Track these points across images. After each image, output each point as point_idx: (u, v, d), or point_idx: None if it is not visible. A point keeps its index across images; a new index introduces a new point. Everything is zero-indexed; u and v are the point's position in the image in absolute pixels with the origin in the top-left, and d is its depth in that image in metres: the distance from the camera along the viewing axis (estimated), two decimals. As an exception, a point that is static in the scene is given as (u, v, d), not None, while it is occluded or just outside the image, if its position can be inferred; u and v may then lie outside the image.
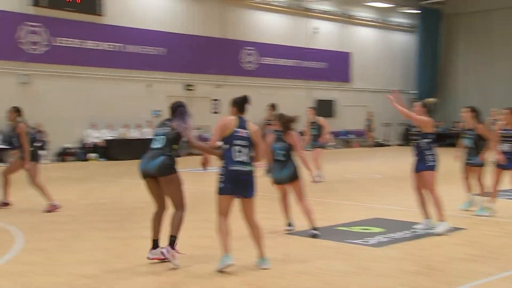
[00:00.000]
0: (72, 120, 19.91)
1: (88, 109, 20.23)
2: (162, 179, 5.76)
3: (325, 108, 27.06)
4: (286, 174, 7.16)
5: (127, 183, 13.04)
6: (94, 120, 20.23)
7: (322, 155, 13.61)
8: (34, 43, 19.27)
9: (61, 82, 19.85)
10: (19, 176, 10.27)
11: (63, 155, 19.65)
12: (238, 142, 5.58)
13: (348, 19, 28.91)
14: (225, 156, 5.58)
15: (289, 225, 7.50)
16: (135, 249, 6.36)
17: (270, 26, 26.15)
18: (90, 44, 20.61)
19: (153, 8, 22.51)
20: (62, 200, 10.29)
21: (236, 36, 24.91)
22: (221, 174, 5.57)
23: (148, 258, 5.86)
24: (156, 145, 5.85)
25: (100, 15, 20.67)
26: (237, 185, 5.54)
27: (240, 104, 5.75)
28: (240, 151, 5.57)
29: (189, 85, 23.39)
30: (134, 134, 21.07)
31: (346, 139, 28.40)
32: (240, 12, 25.21)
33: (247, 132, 5.63)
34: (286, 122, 7.23)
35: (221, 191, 5.56)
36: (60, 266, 5.79)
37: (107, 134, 20.36)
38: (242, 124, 5.65)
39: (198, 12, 23.79)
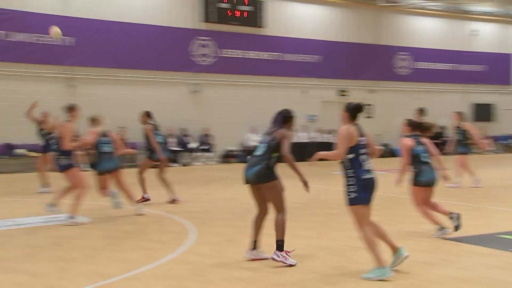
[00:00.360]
0: (234, 124, 21.80)
1: (249, 115, 21.97)
2: (261, 186, 6.02)
3: (483, 112, 26.25)
4: (436, 175, 7.25)
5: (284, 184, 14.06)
6: (254, 124, 21.81)
7: (469, 161, 13.08)
8: (204, 55, 21.50)
9: (226, 90, 21.87)
10: (187, 176, 11.24)
11: (227, 157, 21.60)
12: (363, 150, 5.57)
13: (511, 19, 27.54)
14: (354, 166, 5.50)
15: (441, 229, 7.30)
16: (292, 246, 6.63)
17: (425, 30, 25.95)
18: (251, 54, 22.39)
19: (310, 18, 23.66)
20: (226, 198, 11.60)
21: (390, 42, 25.17)
22: (353, 184, 5.49)
23: (245, 257, 6.18)
24: (257, 152, 6.09)
25: (261, 27, 22.34)
26: (371, 192, 5.53)
27: (353, 111, 5.66)
28: (365, 160, 5.56)
29: (342, 91, 24.17)
30: (289, 137, 22.37)
31: (507, 144, 27.08)
32: (394, 17, 25.40)
33: (366, 139, 5.66)
34: (418, 127, 7.46)
35: (362, 201, 5.47)
36: (225, 258, 6.33)
37: (265, 138, 21.90)
38: (361, 132, 5.63)
39: (353, 20, 24.49)
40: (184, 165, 20.32)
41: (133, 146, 19.13)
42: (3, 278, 5.68)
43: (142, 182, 10.73)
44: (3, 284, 5.48)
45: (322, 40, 23.72)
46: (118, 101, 19.41)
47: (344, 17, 24.43)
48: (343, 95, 24.05)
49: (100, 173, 9.27)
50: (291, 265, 5.89)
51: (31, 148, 17.53)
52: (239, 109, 21.94)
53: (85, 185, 8.91)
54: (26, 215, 9.49)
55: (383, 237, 5.70)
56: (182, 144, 20.68)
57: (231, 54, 22.00)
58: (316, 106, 23.01)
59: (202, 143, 21.09)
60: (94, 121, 9.44)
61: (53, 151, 12.11)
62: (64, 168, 8.75)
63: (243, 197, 11.81)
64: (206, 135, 21.19)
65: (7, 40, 17.83)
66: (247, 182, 6.14)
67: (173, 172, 18.23)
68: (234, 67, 22.00)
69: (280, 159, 6.08)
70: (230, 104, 21.85)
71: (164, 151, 10.84)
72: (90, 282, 5.47)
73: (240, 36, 22.04)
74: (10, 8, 17.96)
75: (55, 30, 11.20)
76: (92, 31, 19.10)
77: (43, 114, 12.76)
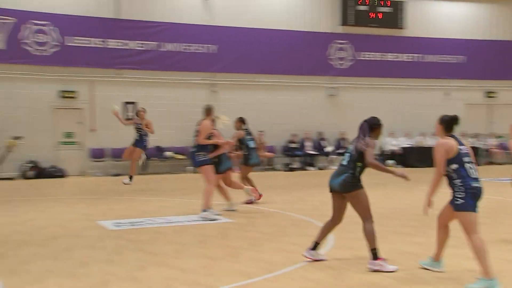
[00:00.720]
0: (372, 128, 21.43)
1: (387, 118, 21.15)
2: (346, 195, 6.14)
3: None
4: None
5: (422, 190, 13.53)
6: (392, 128, 21.31)
7: None
8: (341, 59, 21.43)
9: (363, 93, 21.59)
10: (323, 180, 11.27)
11: (364, 160, 21.32)
12: (467, 159, 5.47)
13: None
14: (460, 175, 5.43)
15: None
16: (430, 253, 6.61)
17: None
18: (390, 57, 21.90)
19: (454, 17, 22.59)
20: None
21: (548, 37, 23.19)
22: (461, 192, 5.43)
23: (303, 255, 6.42)
24: (343, 161, 6.20)
25: (400, 28, 21.74)
26: (477, 200, 5.45)
27: (448, 123, 5.63)
28: (471, 167, 5.46)
29: (490, 92, 22.72)
30: (430, 142, 21.50)
31: None
32: (551, 11, 23.33)
33: (467, 148, 5.55)
34: None
35: (470, 208, 5.40)
36: (365, 264, 6.15)
37: (404, 142, 21.29)
38: (460, 141, 5.54)
39: (503, 15, 22.93)
40: (320, 168, 20.41)
41: (271, 149, 19.65)
42: (156, 271, 6.14)
43: (250, 184, 11.21)
44: (156, 277, 5.92)
45: (467, 39, 22.49)
46: (257, 106, 19.99)
47: (493, 14, 22.92)
48: (490, 97, 22.61)
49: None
50: (391, 272, 5.88)
51: (179, 150, 18.75)
52: (376, 112, 20.80)
53: (216, 182, 9.43)
54: (174, 213, 10.15)
55: (443, 241, 5.90)
56: (319, 148, 20.79)
57: (368, 57, 21.70)
58: (459, 108, 21.72)
59: (339, 146, 21.00)
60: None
61: (144, 147, 13.40)
62: (199, 164, 9.26)
63: (381, 201, 11.77)
64: (343, 139, 21.08)
65: (159, 50, 19.22)
66: (331, 191, 6.29)
67: (310, 175, 18.47)
68: (371, 70, 21.66)
69: (365, 168, 6.11)
70: (367, 107, 21.35)
71: (256, 157, 11.18)
72: (234, 280, 5.72)
73: (378, 38, 21.65)
74: (162, 21, 19.32)
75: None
76: (233, 39, 19.91)
77: (140, 110, 13.65)
